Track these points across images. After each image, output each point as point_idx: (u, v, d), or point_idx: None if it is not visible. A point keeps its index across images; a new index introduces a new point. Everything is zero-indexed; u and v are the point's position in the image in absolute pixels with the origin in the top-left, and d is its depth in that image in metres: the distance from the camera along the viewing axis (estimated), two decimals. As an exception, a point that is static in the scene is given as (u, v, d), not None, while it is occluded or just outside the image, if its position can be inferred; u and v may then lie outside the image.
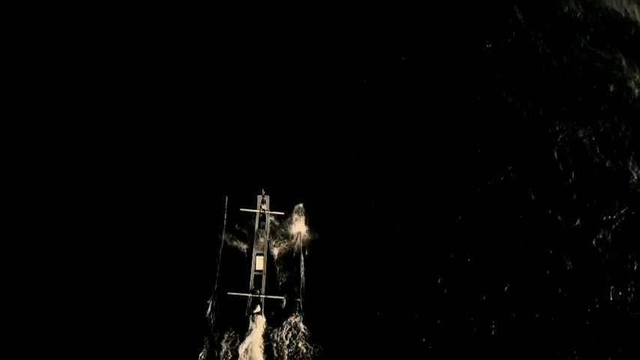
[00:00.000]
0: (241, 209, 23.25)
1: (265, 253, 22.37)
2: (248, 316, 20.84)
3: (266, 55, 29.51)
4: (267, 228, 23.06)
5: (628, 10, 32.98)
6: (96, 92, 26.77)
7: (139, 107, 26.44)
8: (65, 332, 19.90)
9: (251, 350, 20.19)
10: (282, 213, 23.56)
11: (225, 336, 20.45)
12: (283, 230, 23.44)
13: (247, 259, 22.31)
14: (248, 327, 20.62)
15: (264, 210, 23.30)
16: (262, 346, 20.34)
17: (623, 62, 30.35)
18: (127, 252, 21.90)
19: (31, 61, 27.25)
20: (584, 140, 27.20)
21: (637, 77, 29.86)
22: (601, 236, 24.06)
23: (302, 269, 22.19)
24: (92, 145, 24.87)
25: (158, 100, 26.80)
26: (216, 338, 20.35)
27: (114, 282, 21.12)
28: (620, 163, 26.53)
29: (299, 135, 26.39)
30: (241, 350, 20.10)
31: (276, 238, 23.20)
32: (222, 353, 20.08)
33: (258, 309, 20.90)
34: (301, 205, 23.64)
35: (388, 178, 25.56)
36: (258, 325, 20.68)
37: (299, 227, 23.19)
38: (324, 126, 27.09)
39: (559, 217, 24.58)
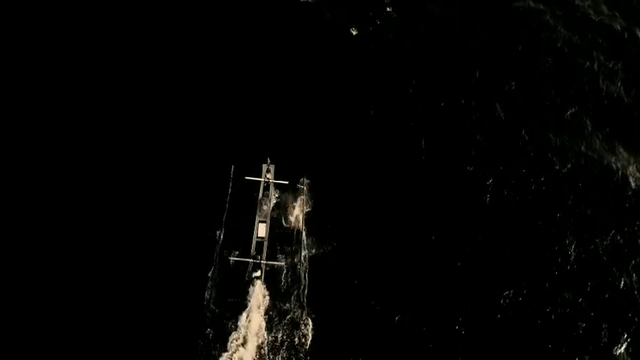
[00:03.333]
0: (246, 177, 23.86)
1: (268, 220, 22.99)
2: (248, 281, 21.64)
3: (275, 28, 29.72)
4: (271, 196, 23.63)
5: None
6: (99, 61, 27.22)
7: (146, 77, 26.91)
8: (65, 301, 20.61)
9: (251, 311, 20.99)
10: (287, 182, 24.04)
11: (227, 299, 21.27)
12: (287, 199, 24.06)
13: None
14: (248, 290, 21.46)
15: (268, 179, 23.85)
16: (261, 308, 21.12)
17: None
18: (134, 218, 22.64)
19: (31, 61, 27.09)
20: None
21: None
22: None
23: (303, 238, 22.80)
24: (97, 111, 25.46)
25: (165, 70, 27.26)
26: (217, 301, 21.13)
27: (120, 248, 21.87)
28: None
29: (306, 106, 26.74)
30: (242, 314, 20.96)
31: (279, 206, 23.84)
32: (223, 314, 20.88)
33: (258, 273, 21.66)
34: (305, 177, 24.21)
35: (395, 152, 25.86)
36: (258, 288, 21.49)
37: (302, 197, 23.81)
38: (333, 97, 27.36)
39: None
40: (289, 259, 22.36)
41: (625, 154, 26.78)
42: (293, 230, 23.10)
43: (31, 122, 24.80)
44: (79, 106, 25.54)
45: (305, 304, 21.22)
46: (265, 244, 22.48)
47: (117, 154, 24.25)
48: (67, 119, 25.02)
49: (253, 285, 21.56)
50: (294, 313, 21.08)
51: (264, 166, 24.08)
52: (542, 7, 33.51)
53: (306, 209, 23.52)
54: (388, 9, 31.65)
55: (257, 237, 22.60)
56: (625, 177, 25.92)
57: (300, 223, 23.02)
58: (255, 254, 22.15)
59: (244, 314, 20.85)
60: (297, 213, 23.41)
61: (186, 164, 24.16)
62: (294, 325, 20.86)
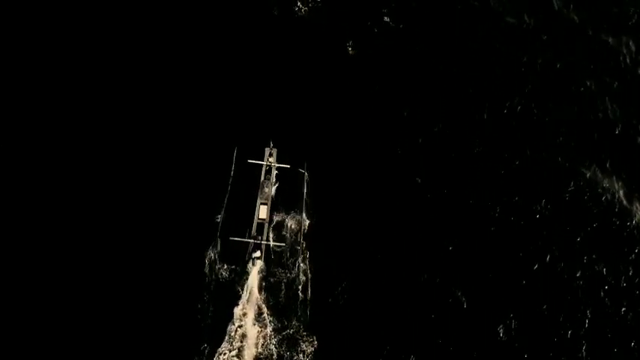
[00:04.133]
0: (249, 161, 23.95)
1: (269, 202, 23.03)
2: (248, 260, 21.60)
3: (276, 12, 30.21)
4: (273, 179, 23.69)
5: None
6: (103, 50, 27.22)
7: (149, 59, 27.04)
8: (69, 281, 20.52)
9: (250, 290, 21.02)
10: (289, 166, 24.12)
11: (227, 276, 21.34)
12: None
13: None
14: (247, 269, 21.47)
15: (270, 162, 23.97)
16: (260, 286, 21.13)
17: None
18: (136, 200, 22.60)
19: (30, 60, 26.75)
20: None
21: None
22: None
23: (304, 218, 22.91)
24: (99, 98, 25.46)
25: (168, 53, 27.40)
26: (217, 279, 21.18)
27: (122, 225, 21.85)
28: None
29: (310, 91, 27.01)
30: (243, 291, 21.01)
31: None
32: (222, 292, 20.90)
33: (258, 254, 21.62)
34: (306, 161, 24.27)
35: (396, 134, 26.21)
36: (257, 267, 21.49)
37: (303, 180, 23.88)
38: (336, 82, 27.70)
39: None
40: (289, 272, 22.10)
41: (626, 177, 26.71)
42: (292, 244, 22.88)
43: (29, 113, 24.73)
44: (80, 89, 25.54)
45: (305, 318, 20.94)
46: (266, 225, 22.51)
47: (117, 138, 24.21)
48: (67, 99, 25.05)
49: (253, 264, 21.49)
50: (294, 327, 20.73)
51: (267, 150, 24.25)
52: (539, 24, 34.28)
53: (307, 222, 23.26)
54: (386, 18, 32.32)
55: (258, 218, 22.67)
56: (628, 201, 25.76)
57: (300, 235, 22.83)
58: (256, 235, 22.15)
59: (244, 292, 20.85)
60: (296, 227, 23.18)
61: (189, 149, 24.22)
62: (294, 340, 20.46)
